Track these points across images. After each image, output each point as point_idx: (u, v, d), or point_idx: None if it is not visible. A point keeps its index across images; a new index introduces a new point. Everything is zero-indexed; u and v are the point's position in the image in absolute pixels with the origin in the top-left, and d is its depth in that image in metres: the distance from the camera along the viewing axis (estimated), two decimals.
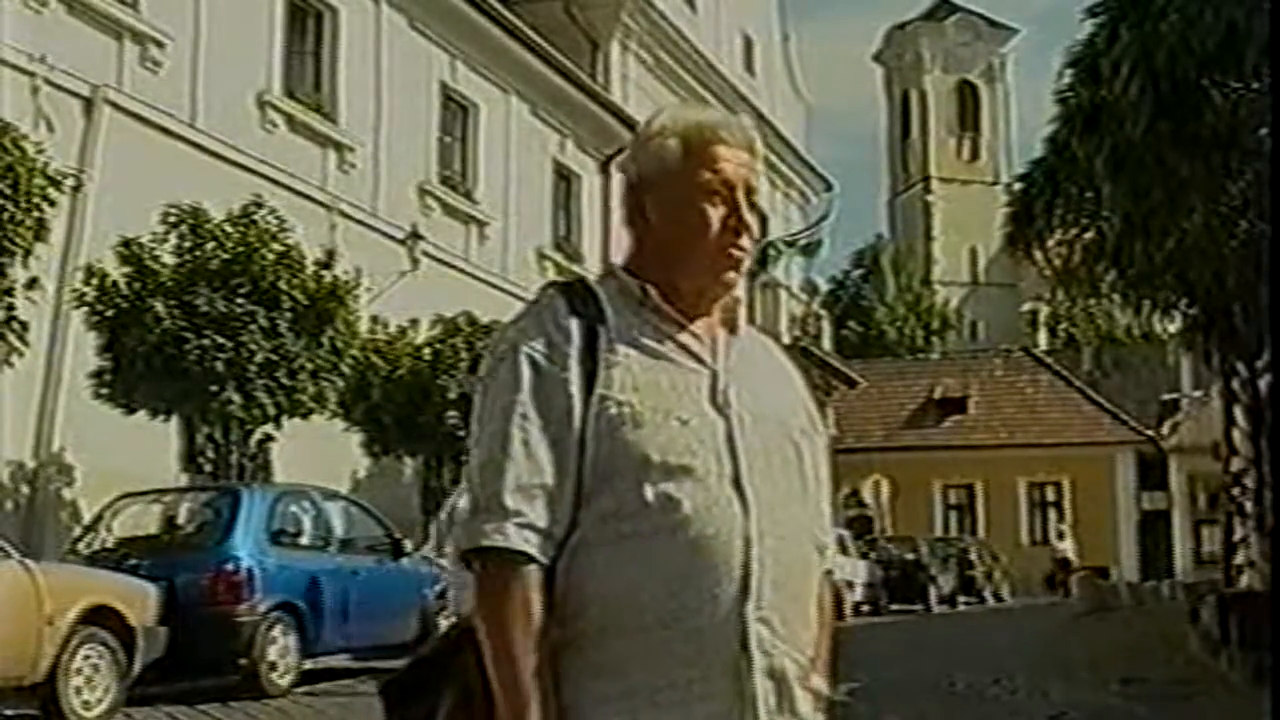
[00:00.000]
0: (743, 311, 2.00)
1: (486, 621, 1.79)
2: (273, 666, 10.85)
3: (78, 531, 12.11)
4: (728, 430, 1.86)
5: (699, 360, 1.90)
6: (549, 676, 1.78)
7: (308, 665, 11.45)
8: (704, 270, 1.93)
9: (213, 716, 9.93)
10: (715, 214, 1.92)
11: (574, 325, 1.86)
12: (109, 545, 11.40)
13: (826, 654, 1.99)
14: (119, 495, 11.98)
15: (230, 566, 10.75)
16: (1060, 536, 29.25)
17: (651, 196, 1.95)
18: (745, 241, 1.93)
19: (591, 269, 24.39)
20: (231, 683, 10.68)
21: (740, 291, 2.00)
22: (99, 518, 11.88)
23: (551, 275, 23.30)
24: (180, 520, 12.00)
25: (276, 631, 10.93)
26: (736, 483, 1.83)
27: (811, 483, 1.94)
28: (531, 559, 1.78)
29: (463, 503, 1.87)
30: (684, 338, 1.91)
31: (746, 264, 1.96)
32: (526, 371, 1.84)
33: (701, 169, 1.93)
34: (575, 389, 1.83)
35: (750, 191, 1.95)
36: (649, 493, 1.80)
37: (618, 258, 2.03)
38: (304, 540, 12.03)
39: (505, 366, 1.87)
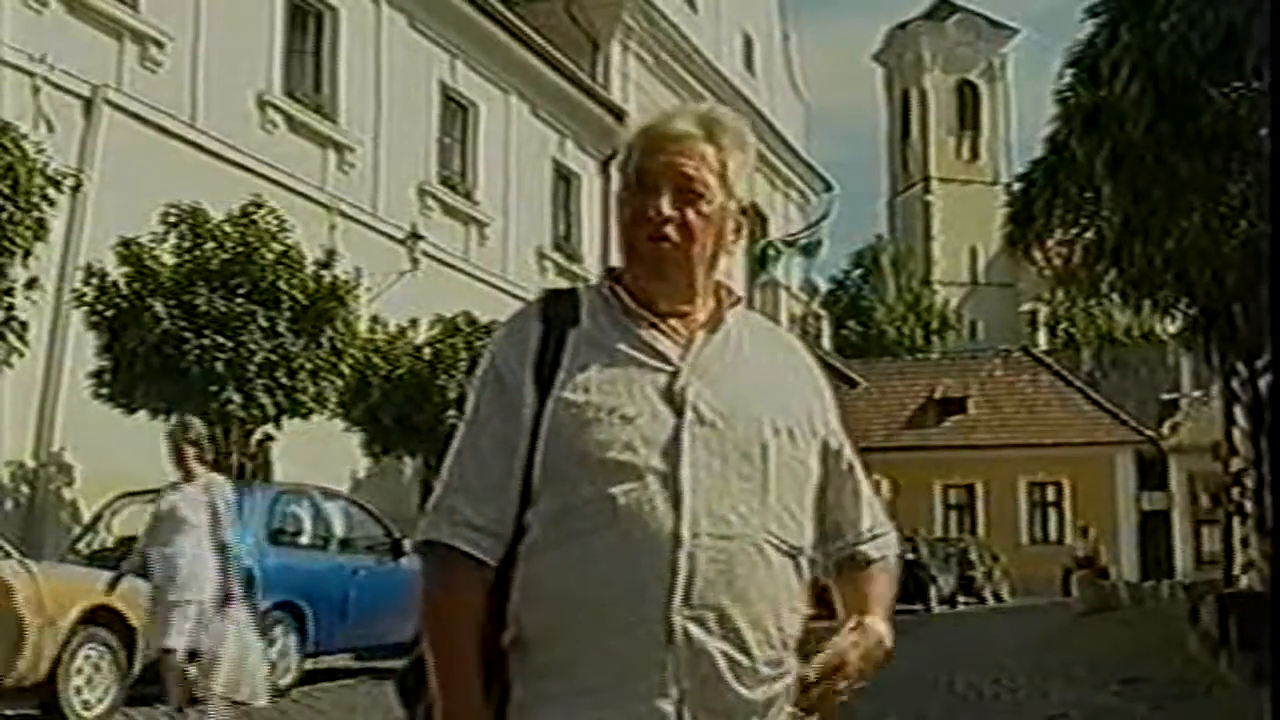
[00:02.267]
0: (736, 309, 1.99)
1: (421, 611, 1.88)
2: (273, 666, 10.85)
3: (77, 531, 12.09)
4: (676, 427, 1.85)
5: (663, 359, 1.90)
6: (476, 664, 1.83)
7: (309, 665, 11.46)
8: (643, 264, 1.94)
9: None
10: (639, 206, 1.93)
11: (536, 330, 1.91)
12: (109, 545, 11.41)
13: (875, 600, 2.03)
14: (118, 495, 12.00)
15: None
16: (1084, 534, 29.00)
17: (619, 202, 1.97)
18: (670, 230, 1.91)
19: (591, 269, 24.41)
20: None
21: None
22: (98, 518, 11.87)
23: (551, 275, 23.34)
24: None
25: (276, 631, 10.97)
26: (673, 479, 1.82)
27: (779, 483, 1.89)
28: (465, 554, 1.85)
29: None
30: (652, 336, 1.91)
31: (697, 253, 1.92)
32: (491, 377, 1.93)
33: (636, 164, 1.95)
34: (529, 392, 1.87)
35: (685, 179, 1.92)
36: (587, 490, 1.82)
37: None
38: (304, 540, 12.10)
39: (479, 373, 1.96)
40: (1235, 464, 15.67)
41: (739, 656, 1.84)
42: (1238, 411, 15.09)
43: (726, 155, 1.95)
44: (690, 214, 1.91)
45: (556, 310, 1.94)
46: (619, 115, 24.92)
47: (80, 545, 11.68)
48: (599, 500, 1.81)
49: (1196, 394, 30.83)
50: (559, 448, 1.84)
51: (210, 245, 13.20)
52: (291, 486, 12.91)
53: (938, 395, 41.28)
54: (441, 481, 1.91)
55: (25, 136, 11.60)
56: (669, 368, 1.89)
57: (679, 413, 1.86)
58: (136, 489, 12.27)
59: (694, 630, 1.80)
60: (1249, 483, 14.71)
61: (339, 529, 12.47)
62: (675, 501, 1.82)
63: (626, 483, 1.81)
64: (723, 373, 1.91)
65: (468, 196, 22.08)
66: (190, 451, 8.54)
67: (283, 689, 10.83)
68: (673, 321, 1.93)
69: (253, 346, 12.83)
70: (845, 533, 2.05)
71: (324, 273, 13.77)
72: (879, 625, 2.01)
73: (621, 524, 1.80)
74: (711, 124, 1.96)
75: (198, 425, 8.98)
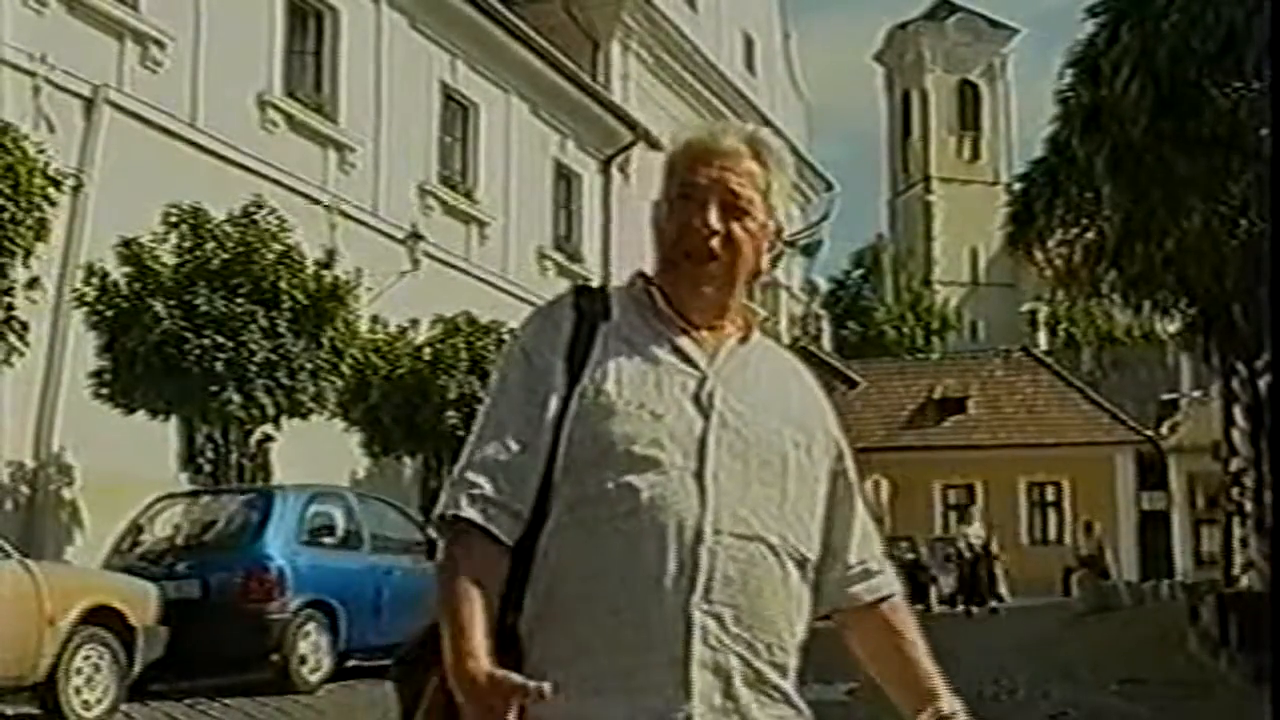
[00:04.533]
0: (758, 329, 2.02)
1: (437, 580, 1.87)
2: (304, 663, 11.19)
3: (120, 531, 12.16)
4: (703, 429, 1.88)
5: (691, 364, 1.94)
6: (486, 629, 1.80)
7: (352, 663, 11.76)
8: (682, 277, 1.97)
9: (212, 716, 9.95)
10: (685, 218, 1.96)
11: (569, 319, 1.94)
12: (148, 546, 11.72)
13: (928, 669, 2.04)
14: (159, 497, 12.33)
15: (262, 567, 11.14)
16: (1087, 530, 28.83)
17: (660, 210, 2.01)
18: (716, 244, 1.94)
19: (592, 269, 24.40)
20: (264, 678, 10.95)
21: (756, 305, 2.03)
22: (140, 526, 12.05)
23: (552, 275, 23.32)
24: (216, 522, 12.23)
25: (308, 629, 11.29)
26: (699, 477, 1.85)
27: (795, 493, 1.94)
28: (481, 529, 1.85)
29: None
30: (682, 341, 1.95)
31: (739, 268, 1.96)
32: (519, 361, 1.95)
33: (682, 176, 1.98)
34: (558, 378, 1.90)
35: (732, 195, 1.95)
36: (610, 480, 1.84)
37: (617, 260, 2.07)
38: (337, 540, 12.33)
39: (504, 357, 1.99)
40: (1235, 464, 15.66)
41: (751, 656, 1.86)
42: (1237, 411, 15.08)
43: (771, 175, 2.00)
44: (736, 229, 1.95)
45: (589, 303, 1.97)
46: (619, 115, 24.91)
47: (123, 546, 11.83)
48: (621, 490, 1.84)
49: (1196, 394, 30.81)
50: (584, 437, 1.86)
51: (211, 245, 13.21)
52: (326, 489, 13.22)
53: (938, 395, 41.23)
54: (463, 458, 1.92)
55: (26, 136, 11.61)
56: (697, 373, 1.93)
57: (706, 415, 1.89)
58: (136, 489, 12.40)
59: (711, 626, 1.83)
60: (1249, 483, 14.70)
61: (373, 529, 12.64)
62: (700, 497, 1.85)
63: (651, 475, 1.84)
64: (746, 384, 1.95)
65: (468, 196, 22.07)
66: None
67: (313, 685, 11.11)
68: (702, 332, 1.97)
69: (253, 346, 12.83)
70: (846, 559, 2.05)
71: (324, 273, 13.77)
72: (955, 706, 2.02)
73: (645, 515, 1.83)
74: (758, 143, 2.00)
75: None
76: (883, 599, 2.07)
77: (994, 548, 25.97)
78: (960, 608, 24.36)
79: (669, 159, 2.01)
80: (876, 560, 2.09)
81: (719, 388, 1.92)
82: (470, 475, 1.88)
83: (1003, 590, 26.72)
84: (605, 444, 1.85)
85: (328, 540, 12.23)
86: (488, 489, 1.86)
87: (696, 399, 1.90)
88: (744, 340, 1.99)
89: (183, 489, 13.62)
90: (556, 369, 1.90)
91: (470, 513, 1.86)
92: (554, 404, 1.88)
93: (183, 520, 12.19)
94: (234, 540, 11.72)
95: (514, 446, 1.88)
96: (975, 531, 26.36)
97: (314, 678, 11.22)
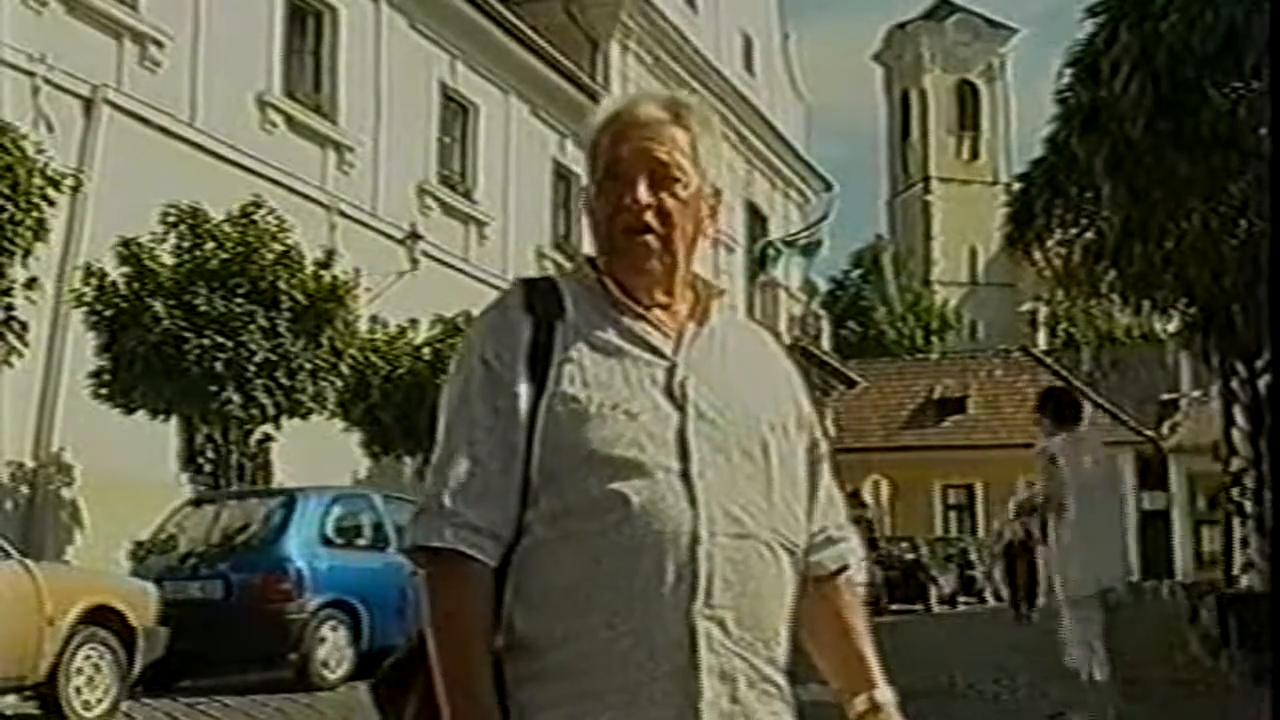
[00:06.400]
0: (718, 303, 1.95)
1: (431, 619, 1.78)
2: (324, 661, 11.44)
3: (147, 534, 12.30)
4: (681, 424, 1.80)
5: (657, 353, 1.85)
6: (488, 672, 1.75)
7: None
8: (623, 256, 1.88)
9: (211, 716, 9.95)
10: (615, 197, 1.88)
11: (525, 323, 1.84)
12: (177, 549, 11.98)
13: (870, 656, 1.99)
14: (187, 500, 12.73)
15: (281, 568, 11.46)
16: None
17: (589, 194, 1.93)
18: (650, 218, 1.86)
19: None
20: (284, 676, 11.17)
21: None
22: (171, 534, 12.21)
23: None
24: (241, 525, 12.40)
25: (327, 628, 11.54)
26: (685, 477, 1.78)
27: (780, 480, 1.87)
28: (469, 558, 1.77)
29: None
30: (643, 329, 1.86)
31: (677, 240, 1.88)
32: (477, 371, 1.83)
33: (606, 155, 1.90)
34: (522, 387, 1.80)
35: (660, 165, 1.88)
36: (594, 488, 1.76)
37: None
38: (359, 541, 12.55)
39: (459, 367, 1.87)
40: (1235, 464, 15.64)
41: (752, 656, 1.81)
42: (1237, 412, 15.06)
43: (696, 138, 1.92)
44: (667, 199, 1.87)
45: (541, 302, 1.87)
46: None
47: (154, 547, 12.02)
48: (609, 499, 1.75)
49: (1196, 394, 30.77)
50: (560, 445, 1.78)
51: (210, 245, 13.22)
52: (350, 491, 13.60)
53: (937, 395, 41.29)
54: (434, 483, 1.81)
55: (25, 136, 11.62)
56: (664, 361, 1.85)
57: (681, 409, 1.81)
58: (136, 489, 12.43)
59: (715, 632, 1.77)
60: (1249, 483, 14.69)
61: (397, 530, 12.70)
62: (691, 500, 1.77)
63: (637, 480, 1.76)
64: (715, 368, 1.87)
65: (467, 196, 22.09)
66: None
67: (332, 683, 11.33)
68: (657, 313, 1.89)
69: (253, 346, 12.86)
70: (809, 527, 1.97)
71: (323, 273, 13.78)
72: (888, 696, 1.97)
73: (637, 523, 1.75)
74: (678, 107, 1.93)
75: None
76: (842, 569, 2.00)
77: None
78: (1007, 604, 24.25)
79: (591, 138, 1.92)
80: (838, 527, 2.01)
81: (690, 377, 1.83)
82: (448, 502, 1.78)
83: (1040, 594, 26.47)
84: (584, 451, 1.76)
85: (352, 541, 12.45)
86: (470, 515, 1.77)
87: (669, 391, 1.82)
88: (704, 318, 1.91)
89: (183, 489, 13.66)
90: (520, 377, 1.80)
91: (459, 545, 1.76)
92: (523, 415, 1.79)
93: (210, 523, 12.38)
94: (256, 542, 11.95)
95: (490, 466, 1.78)
96: (1015, 526, 26.32)
97: (333, 676, 11.42)
